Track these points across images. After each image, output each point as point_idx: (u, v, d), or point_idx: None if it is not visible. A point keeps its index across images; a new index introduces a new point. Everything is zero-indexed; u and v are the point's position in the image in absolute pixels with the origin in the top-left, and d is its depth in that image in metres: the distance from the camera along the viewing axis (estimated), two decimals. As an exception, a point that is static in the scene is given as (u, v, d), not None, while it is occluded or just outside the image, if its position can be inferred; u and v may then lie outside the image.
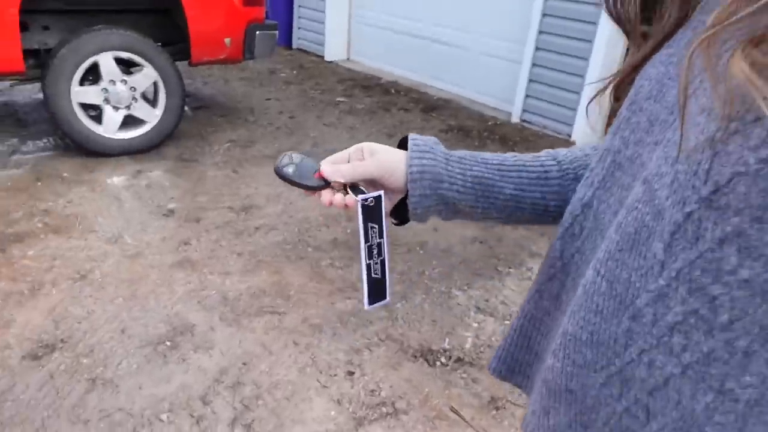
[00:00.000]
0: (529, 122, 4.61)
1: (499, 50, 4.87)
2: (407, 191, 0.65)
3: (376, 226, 0.66)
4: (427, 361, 2.06)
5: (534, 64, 4.44)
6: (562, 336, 0.50)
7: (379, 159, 0.65)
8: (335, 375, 1.96)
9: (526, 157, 0.69)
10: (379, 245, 0.67)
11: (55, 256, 2.54)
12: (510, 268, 2.70)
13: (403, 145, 0.69)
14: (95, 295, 2.30)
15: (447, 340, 2.17)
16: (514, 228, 3.03)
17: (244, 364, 1.98)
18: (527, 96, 4.56)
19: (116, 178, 3.34)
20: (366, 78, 5.76)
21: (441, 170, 0.65)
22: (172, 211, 2.99)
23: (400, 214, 0.70)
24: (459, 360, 2.07)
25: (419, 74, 5.65)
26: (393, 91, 5.37)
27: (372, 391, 1.91)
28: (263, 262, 2.59)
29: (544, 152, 0.71)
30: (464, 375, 2.01)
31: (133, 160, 3.55)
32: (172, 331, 2.12)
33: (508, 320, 2.32)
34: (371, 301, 0.69)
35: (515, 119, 4.67)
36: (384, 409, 1.83)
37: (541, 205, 0.67)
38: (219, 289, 2.37)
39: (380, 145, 0.67)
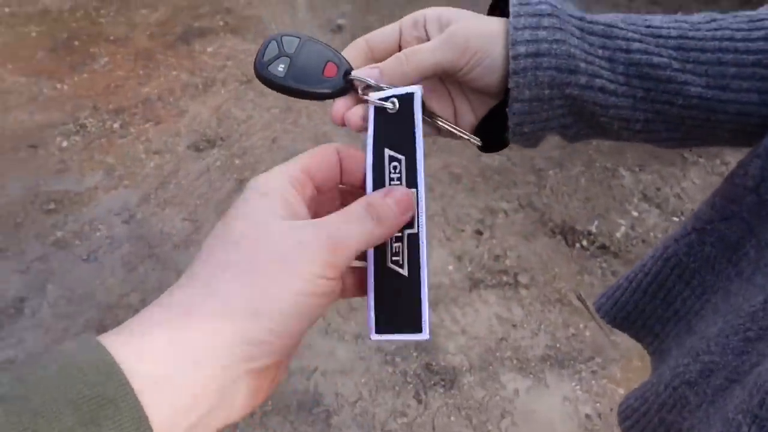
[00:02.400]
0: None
1: None
2: (506, 92, 0.38)
3: (401, 160, 0.34)
4: (565, 239, 1.87)
5: None
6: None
7: (455, 33, 0.37)
8: (463, 230, 1.88)
9: (738, 20, 0.38)
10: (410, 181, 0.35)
11: (229, 56, 2.65)
12: (700, 157, 2.25)
13: (497, 11, 0.40)
14: (256, 100, 2.38)
15: (596, 222, 1.94)
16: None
17: (376, 198, 1.97)
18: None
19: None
20: None
21: (573, 50, 0.36)
22: (340, 27, 2.89)
23: (491, 130, 0.42)
24: (603, 247, 1.85)
25: None
26: None
27: (497, 256, 1.80)
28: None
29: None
30: (604, 264, 1.80)
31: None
32: (317, 150, 2.16)
33: (677, 216, 1.98)
34: (380, 328, 0.34)
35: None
36: (504, 278, 1.74)
37: (756, 116, 0.37)
38: (368, 118, 2.32)
39: (458, 10, 0.38)
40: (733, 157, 2.24)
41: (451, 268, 1.76)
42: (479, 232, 1.87)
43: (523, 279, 1.74)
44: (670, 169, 2.17)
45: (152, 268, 1.73)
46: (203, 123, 2.26)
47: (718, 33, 0.38)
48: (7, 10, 2.90)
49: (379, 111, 0.36)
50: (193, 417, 0.25)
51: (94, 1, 3.00)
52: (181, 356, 0.25)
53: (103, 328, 1.59)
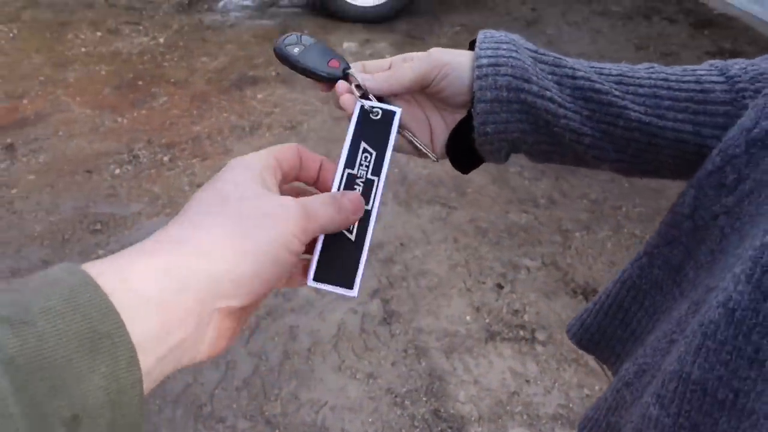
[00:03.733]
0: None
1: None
2: (473, 102, 0.44)
3: (372, 153, 0.42)
4: (586, 299, 1.87)
5: None
6: (677, 378, 0.33)
7: (432, 53, 0.45)
8: (484, 283, 1.90)
9: (672, 69, 0.45)
10: (369, 185, 0.42)
11: (277, 103, 2.81)
12: (733, 231, 2.22)
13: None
14: (298, 144, 2.51)
15: (619, 286, 1.93)
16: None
17: (402, 244, 2.02)
18: None
19: (346, 43, 3.49)
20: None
21: (527, 66, 0.43)
22: (384, 85, 3.05)
23: (460, 150, 0.47)
24: (624, 312, 1.83)
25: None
26: (664, -4, 4.53)
27: (516, 311, 1.81)
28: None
29: (706, 64, 0.46)
30: (624, 329, 1.78)
31: (366, 29, 3.65)
32: (349, 195, 2.24)
33: (704, 289, 1.95)
34: (319, 275, 0.39)
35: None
36: (521, 333, 1.74)
37: (692, 144, 0.43)
38: (402, 169, 2.41)
39: (441, 48, 0.46)
40: (767, 235, 2.21)
41: (468, 318, 1.77)
42: (500, 286, 1.89)
43: (540, 335, 1.73)
44: (700, 241, 2.16)
45: (181, 291, 1.81)
46: (246, 162, 2.39)
47: (654, 75, 0.44)
48: (83, 50, 3.18)
49: (364, 111, 0.44)
50: (165, 347, 0.27)
51: (161, 47, 3.27)
52: (166, 281, 0.27)
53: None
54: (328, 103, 2.84)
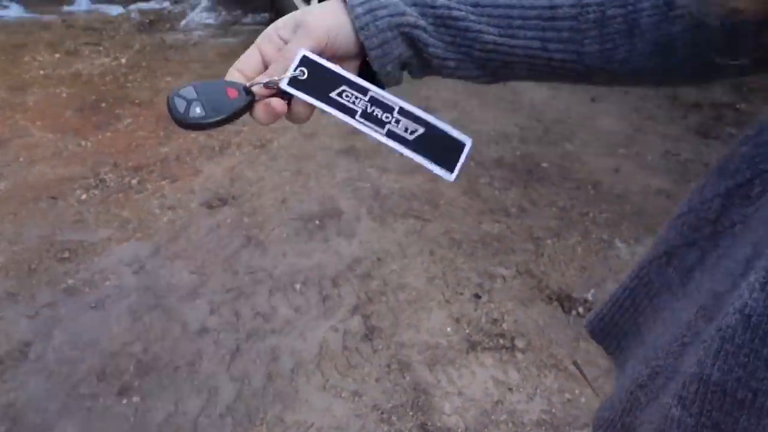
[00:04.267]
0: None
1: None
2: (364, 53, 0.48)
3: (343, 87, 0.45)
4: (562, 306, 1.91)
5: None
6: (698, 380, 0.35)
7: (308, 26, 0.47)
8: (461, 294, 1.92)
9: None
10: (375, 101, 0.45)
11: (245, 121, 2.77)
12: (695, 233, 2.31)
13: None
14: (268, 163, 2.50)
15: (592, 291, 1.98)
16: (716, 189, 2.56)
17: (378, 259, 2.03)
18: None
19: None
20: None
21: (396, 1, 0.47)
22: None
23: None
24: (598, 316, 1.88)
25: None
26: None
27: (494, 320, 1.84)
28: (422, 167, 2.55)
29: None
30: (599, 333, 1.82)
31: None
32: (323, 212, 2.24)
33: (672, 289, 2.03)
34: (448, 166, 0.46)
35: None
36: (501, 341, 1.76)
37: (541, 59, 0.48)
38: (374, 184, 2.42)
39: (300, 11, 0.49)
40: (726, 234, 2.31)
41: (449, 329, 1.79)
42: (478, 296, 1.92)
43: (519, 343, 1.76)
44: (665, 243, 2.24)
45: (157, 318, 1.77)
46: (217, 182, 2.37)
47: None
48: (41, 72, 3.10)
49: (297, 84, 0.45)
50: None
51: (123, 67, 3.21)
52: None
53: (104, 376, 1.62)
54: (297, 120, 2.84)
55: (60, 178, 2.34)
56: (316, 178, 2.43)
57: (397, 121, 0.45)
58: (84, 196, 2.25)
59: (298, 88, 0.45)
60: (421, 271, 2.00)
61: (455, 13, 0.47)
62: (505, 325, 1.82)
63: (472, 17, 0.47)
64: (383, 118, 0.45)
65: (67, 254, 1.98)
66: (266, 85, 0.46)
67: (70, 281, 1.88)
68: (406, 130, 0.46)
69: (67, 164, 2.43)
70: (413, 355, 1.71)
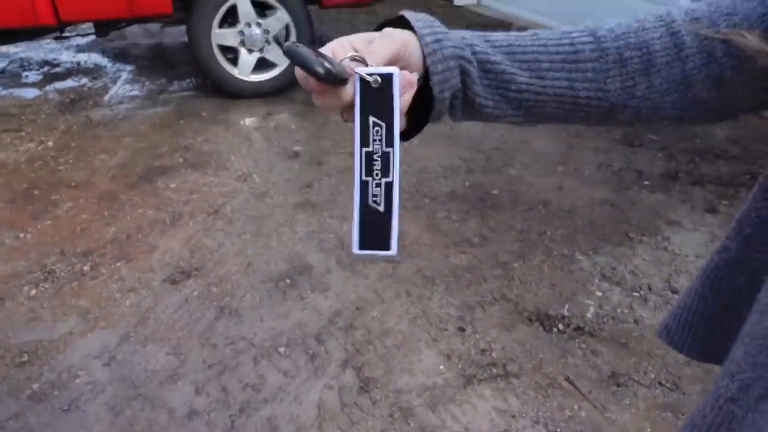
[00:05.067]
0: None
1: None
2: (424, 80, 0.51)
3: (383, 126, 0.46)
4: (543, 325, 1.97)
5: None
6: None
7: (389, 33, 0.50)
8: (446, 329, 1.94)
9: (552, 34, 0.54)
10: (386, 158, 0.46)
11: (192, 190, 2.74)
12: (643, 235, 2.47)
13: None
14: (225, 229, 2.45)
15: (566, 306, 2.06)
16: (650, 192, 2.76)
17: (357, 308, 2.02)
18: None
19: (248, 119, 3.50)
20: (497, 23, 5.45)
21: (459, 39, 0.52)
22: (296, 154, 3.08)
23: (409, 125, 0.54)
24: (578, 329, 1.95)
25: (556, 20, 5.23)
26: (525, 37, 5.04)
27: (483, 350, 1.86)
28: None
29: (583, 25, 0.56)
30: (583, 345, 1.89)
31: (264, 102, 3.68)
32: (292, 269, 2.22)
33: (636, 292, 2.14)
34: (363, 244, 0.48)
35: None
36: (494, 371, 1.79)
37: (569, 97, 0.53)
38: (337, 233, 2.43)
39: (391, 29, 0.52)
40: (671, 232, 2.48)
41: (442, 367, 1.80)
42: (462, 329, 1.94)
43: (512, 369, 1.79)
44: (620, 249, 2.37)
45: (140, 408, 1.66)
46: (176, 256, 2.29)
47: (537, 42, 0.54)
48: (-40, 167, 2.91)
49: (365, 86, 0.46)
50: None
51: (51, 151, 3.07)
52: None
53: (90, 483, 1.49)
54: (245, 181, 2.81)
55: (3, 276, 2.18)
56: (277, 237, 2.40)
57: (378, 185, 0.47)
58: (33, 292, 2.11)
59: (360, 87, 0.46)
60: (402, 314, 2.01)
61: (492, 58, 0.52)
62: (494, 354, 1.85)
63: (506, 62, 0.52)
64: (374, 172, 0.47)
65: (26, 357, 1.84)
66: (352, 59, 0.47)
67: (34, 386, 1.74)
68: (375, 196, 0.47)
69: (7, 260, 2.27)
70: (413, 400, 1.69)
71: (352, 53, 0.47)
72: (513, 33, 0.55)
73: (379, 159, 0.46)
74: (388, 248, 0.47)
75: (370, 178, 0.47)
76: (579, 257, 2.32)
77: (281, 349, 1.86)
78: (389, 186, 0.46)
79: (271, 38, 3.62)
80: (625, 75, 0.52)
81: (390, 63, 0.48)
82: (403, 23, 0.52)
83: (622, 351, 1.87)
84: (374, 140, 0.46)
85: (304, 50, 0.44)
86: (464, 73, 0.52)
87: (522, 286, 2.14)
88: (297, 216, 2.55)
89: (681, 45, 0.51)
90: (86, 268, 2.22)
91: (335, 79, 0.45)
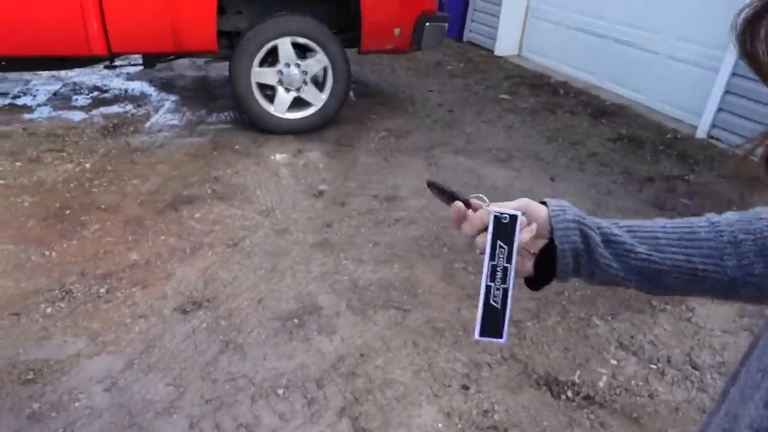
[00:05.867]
0: (718, 139, 4.03)
1: (692, 54, 4.30)
2: (549, 238, 0.64)
3: (506, 248, 0.63)
4: (551, 391, 1.89)
5: (734, 74, 3.85)
6: None
7: (532, 209, 0.65)
8: (449, 386, 1.89)
9: (674, 221, 0.64)
10: (505, 271, 0.64)
11: (216, 221, 2.79)
12: (667, 304, 2.37)
13: None
14: (242, 262, 2.48)
15: (578, 372, 1.98)
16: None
17: (362, 355, 1.99)
18: (720, 109, 3.98)
19: (279, 155, 3.57)
20: (535, 76, 5.49)
21: (581, 213, 0.65)
22: (321, 193, 3.12)
23: (539, 274, 0.67)
24: (588, 398, 1.87)
25: (593, 75, 5.23)
26: (562, 91, 5.05)
27: (485, 411, 1.80)
28: (397, 256, 2.58)
29: (704, 216, 0.64)
30: (592, 416, 1.80)
31: (297, 139, 3.76)
32: (302, 309, 2.21)
33: (654, 364, 2.04)
34: (483, 333, 0.66)
35: (701, 134, 4.11)
36: (495, 434, 1.72)
37: (687, 269, 0.61)
38: (351, 276, 2.42)
39: (525, 200, 0.67)
40: (696, 303, 2.38)
41: (440, 425, 1.74)
42: (466, 387, 1.88)
43: (514, 435, 1.72)
44: (641, 317, 2.28)
45: (133, 439, 1.66)
46: (190, 285, 2.31)
47: (656, 223, 0.65)
48: (2, 182, 3.05)
49: (496, 218, 0.63)
50: None
51: (87, 173, 3.19)
52: None
53: None
54: (268, 216, 2.85)
55: (23, 293, 2.24)
56: (292, 275, 2.41)
57: (497, 289, 0.65)
58: (49, 310, 2.15)
59: (494, 223, 0.63)
60: (407, 365, 1.96)
61: (615, 231, 0.63)
62: (496, 416, 1.78)
63: (627, 237, 0.63)
64: (496, 279, 0.65)
65: (31, 375, 1.86)
66: (476, 198, 0.67)
67: (35, 406, 1.76)
68: (495, 297, 0.66)
69: (30, 277, 2.34)
70: (407, 458, 1.64)
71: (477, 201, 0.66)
72: (636, 220, 0.66)
73: (501, 271, 0.64)
74: (500, 337, 0.67)
75: (493, 284, 0.65)
76: (596, 321, 2.24)
77: (280, 391, 1.84)
78: (505, 291, 0.65)
79: (308, 79, 3.73)
80: (740, 254, 0.59)
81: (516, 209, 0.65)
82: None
83: (632, 426, 1.77)
84: (499, 256, 0.63)
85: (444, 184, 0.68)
86: (586, 237, 0.63)
87: (533, 347, 2.08)
88: (314, 255, 2.55)
89: None
90: (102, 290, 2.27)
91: (467, 203, 0.66)
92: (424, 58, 5.80)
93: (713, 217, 0.63)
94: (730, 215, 0.63)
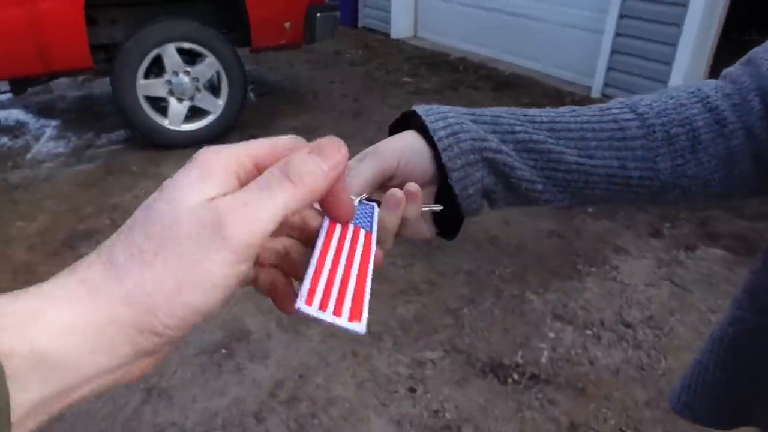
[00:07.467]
0: (611, 97, 4.21)
1: (578, 19, 4.45)
2: (441, 178, 0.46)
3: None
4: (497, 377, 1.87)
5: (618, 34, 4.02)
6: None
7: (378, 150, 0.45)
8: (396, 392, 1.82)
9: (590, 110, 0.50)
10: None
11: (119, 254, 2.54)
12: (591, 266, 2.43)
13: (397, 129, 0.49)
14: (155, 296, 2.27)
15: (520, 352, 1.97)
16: (595, 219, 2.74)
17: (300, 376, 1.88)
18: (610, 68, 4.16)
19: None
20: (433, 55, 5.50)
21: (477, 128, 0.46)
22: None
23: (444, 220, 0.49)
24: (534, 377, 1.87)
25: (489, 49, 5.31)
26: (461, 68, 5.09)
27: (435, 411, 1.75)
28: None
29: (614, 101, 0.52)
30: (539, 395, 1.80)
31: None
32: (229, 336, 2.05)
33: (589, 329, 2.08)
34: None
35: (596, 94, 4.28)
36: (448, 434, 1.67)
37: (620, 178, 0.49)
38: (277, 292, 2.28)
39: (385, 140, 0.47)
40: (618, 261, 2.45)
41: (393, 436, 1.67)
42: (412, 390, 1.82)
43: (467, 430, 1.68)
44: (570, 284, 2.32)
45: None
46: (99, 332, 2.09)
47: (578, 118, 0.49)
48: None
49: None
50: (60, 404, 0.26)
51: (-39, 222, 2.82)
52: (79, 339, 0.25)
53: None
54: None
55: None
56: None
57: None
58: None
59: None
60: (348, 378, 1.87)
61: (535, 137, 0.47)
62: (447, 414, 1.73)
63: (551, 140, 0.48)
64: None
65: None
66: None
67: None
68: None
69: None
70: (363, 478, 1.55)
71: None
72: (551, 109, 0.51)
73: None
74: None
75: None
76: (530, 296, 2.25)
77: (217, 433, 1.69)
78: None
79: (201, 86, 3.49)
80: (674, 153, 0.50)
81: (374, 183, 0.44)
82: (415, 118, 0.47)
83: (579, 397, 1.79)
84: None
85: None
86: (495, 165, 0.47)
87: (473, 334, 2.05)
88: (233, 275, 2.39)
89: (722, 121, 0.50)
90: (-4, 356, 2.00)
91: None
92: (321, 49, 5.65)
93: (636, 105, 0.51)
94: (649, 99, 0.51)
